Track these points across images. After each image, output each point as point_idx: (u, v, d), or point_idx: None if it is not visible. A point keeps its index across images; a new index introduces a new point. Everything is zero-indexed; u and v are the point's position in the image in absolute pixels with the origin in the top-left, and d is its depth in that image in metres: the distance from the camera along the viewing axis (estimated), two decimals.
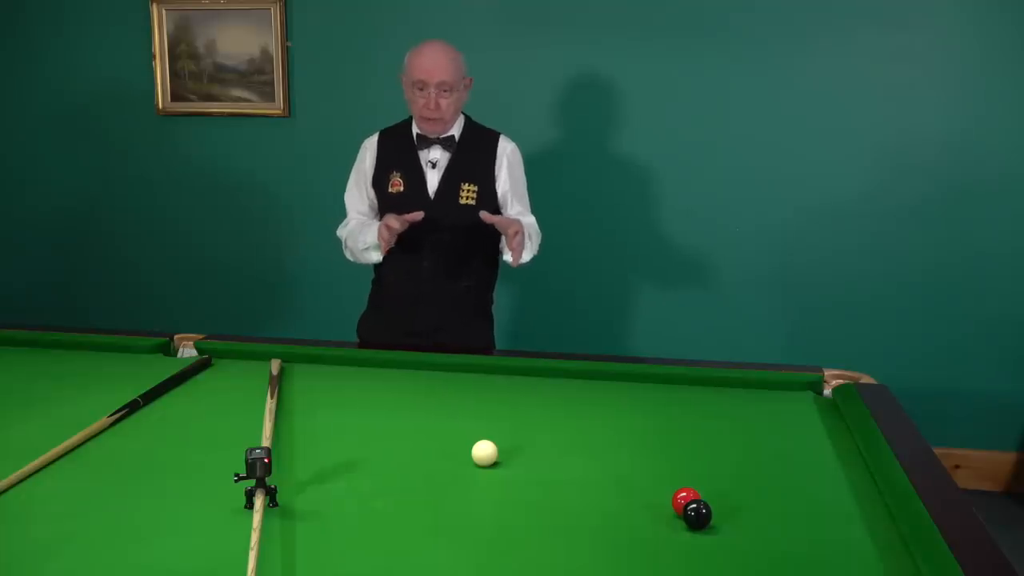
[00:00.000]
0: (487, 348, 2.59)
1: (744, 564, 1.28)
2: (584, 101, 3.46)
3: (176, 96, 3.73)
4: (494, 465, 1.59)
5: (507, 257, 2.38)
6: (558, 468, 1.61)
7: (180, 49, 3.68)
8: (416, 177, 2.46)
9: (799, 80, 3.32)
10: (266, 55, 3.62)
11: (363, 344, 2.55)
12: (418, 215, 2.32)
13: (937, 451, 1.67)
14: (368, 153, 2.55)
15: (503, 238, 2.38)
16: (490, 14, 3.46)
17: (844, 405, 1.91)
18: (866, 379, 2.06)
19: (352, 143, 3.73)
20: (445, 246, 2.47)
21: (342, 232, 2.59)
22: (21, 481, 1.51)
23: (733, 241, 3.45)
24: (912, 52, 3.24)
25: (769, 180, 3.40)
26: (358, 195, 2.57)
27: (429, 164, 2.46)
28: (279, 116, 3.67)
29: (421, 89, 2.37)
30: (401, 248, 2.39)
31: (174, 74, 3.71)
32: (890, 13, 3.22)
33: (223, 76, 3.67)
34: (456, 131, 2.48)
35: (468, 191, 2.43)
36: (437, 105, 2.37)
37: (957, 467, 3.40)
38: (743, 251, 3.45)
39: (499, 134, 2.55)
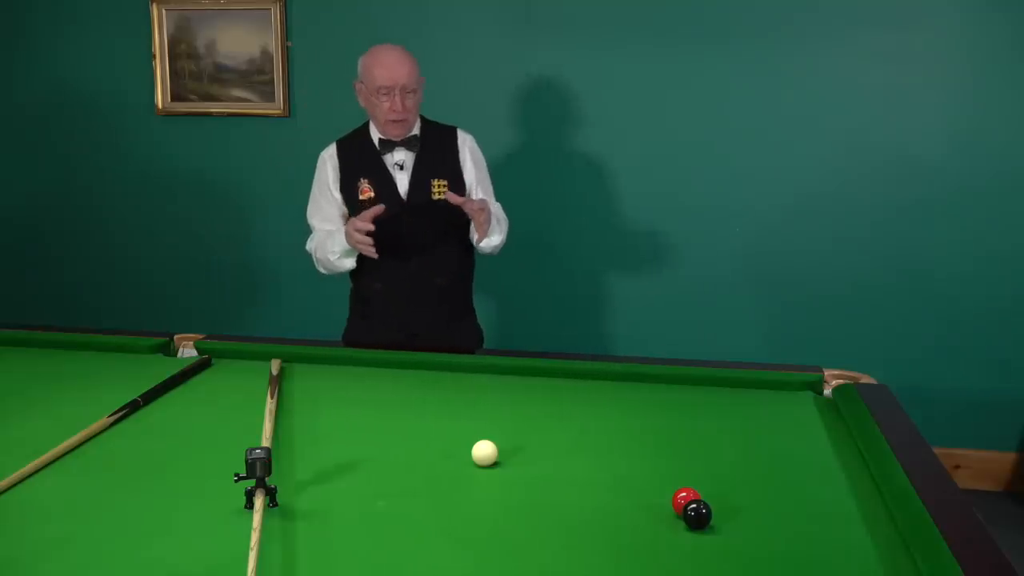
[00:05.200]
0: (479, 341, 2.66)
1: (744, 564, 1.27)
2: (581, 101, 3.46)
3: (176, 96, 3.73)
4: (494, 465, 1.60)
5: (474, 239, 2.47)
6: (558, 468, 1.61)
7: (180, 49, 3.68)
8: (385, 181, 2.49)
9: (798, 79, 3.32)
10: (266, 55, 3.62)
11: (362, 344, 2.54)
12: (380, 208, 2.35)
13: (937, 451, 1.67)
14: (329, 164, 2.56)
15: (472, 224, 2.44)
16: (489, 14, 3.46)
17: (844, 405, 1.91)
18: (866, 379, 2.06)
19: None
20: (426, 243, 2.50)
21: (311, 246, 2.60)
22: (21, 481, 1.51)
23: (733, 241, 3.45)
24: (911, 52, 3.24)
25: (768, 180, 3.40)
26: (326, 207, 2.56)
27: (396, 167, 2.50)
28: (279, 116, 3.67)
29: (386, 93, 2.41)
30: (384, 253, 2.44)
31: (174, 74, 3.71)
32: (889, 13, 3.22)
33: (223, 76, 3.67)
34: (416, 130, 2.52)
35: (439, 186, 2.48)
36: (404, 107, 2.41)
37: (957, 467, 3.40)
38: (743, 251, 3.46)
39: (455, 128, 2.59)
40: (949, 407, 3.40)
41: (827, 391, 2.06)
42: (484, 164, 2.62)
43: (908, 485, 1.44)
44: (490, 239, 2.48)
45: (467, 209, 2.37)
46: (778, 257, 3.44)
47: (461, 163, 2.55)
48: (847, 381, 2.05)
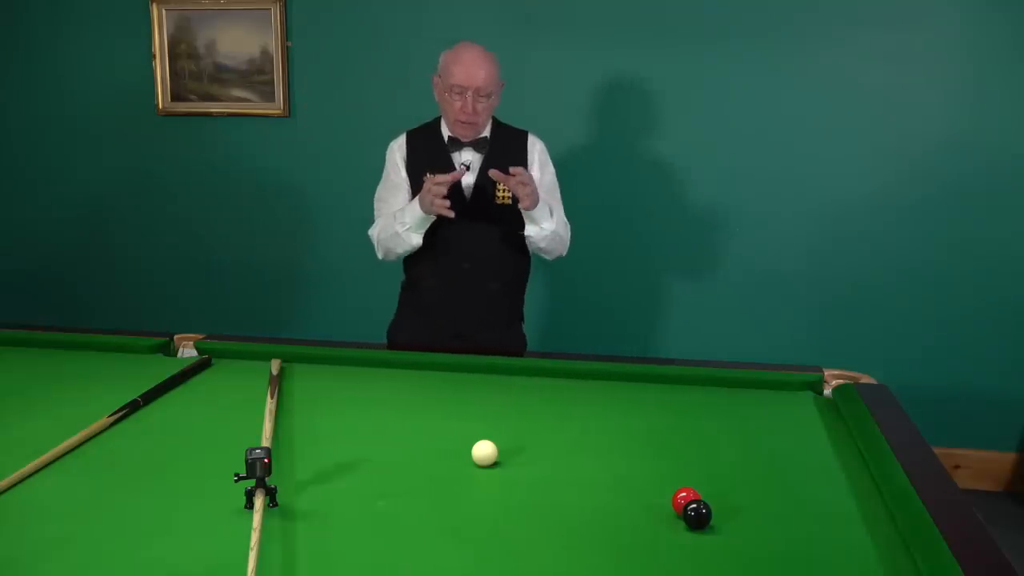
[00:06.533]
0: (523, 346, 2.61)
1: (744, 564, 1.27)
2: (580, 101, 3.46)
3: (176, 96, 3.73)
4: (494, 465, 1.60)
5: (529, 232, 2.40)
6: (558, 468, 1.61)
7: (180, 49, 3.68)
8: None
9: (798, 79, 3.32)
10: (266, 55, 3.62)
11: (361, 344, 2.54)
12: (459, 174, 2.32)
13: (937, 451, 1.67)
14: (397, 155, 2.52)
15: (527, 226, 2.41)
16: (489, 14, 3.46)
17: (844, 405, 1.91)
18: (866, 379, 2.07)
19: (353, 143, 3.73)
20: (484, 246, 2.47)
21: (373, 231, 2.54)
22: (21, 481, 1.51)
23: (733, 242, 3.45)
24: (911, 52, 3.24)
25: (770, 180, 3.40)
26: (395, 195, 2.51)
27: (463, 166, 2.45)
28: (279, 116, 3.67)
29: (459, 93, 2.36)
30: (439, 251, 2.42)
31: (174, 74, 3.71)
32: (889, 13, 3.22)
33: (223, 76, 3.67)
34: (487, 132, 2.48)
35: (503, 190, 2.41)
36: (474, 110, 2.37)
37: (957, 467, 3.41)
38: (743, 251, 3.46)
39: (527, 132, 2.56)
40: (949, 407, 3.41)
41: (827, 391, 2.06)
42: (552, 171, 2.58)
43: (908, 485, 1.44)
44: (540, 225, 2.39)
45: (509, 182, 2.28)
46: (778, 257, 3.44)
47: (528, 168, 2.49)
48: (847, 381, 2.05)
